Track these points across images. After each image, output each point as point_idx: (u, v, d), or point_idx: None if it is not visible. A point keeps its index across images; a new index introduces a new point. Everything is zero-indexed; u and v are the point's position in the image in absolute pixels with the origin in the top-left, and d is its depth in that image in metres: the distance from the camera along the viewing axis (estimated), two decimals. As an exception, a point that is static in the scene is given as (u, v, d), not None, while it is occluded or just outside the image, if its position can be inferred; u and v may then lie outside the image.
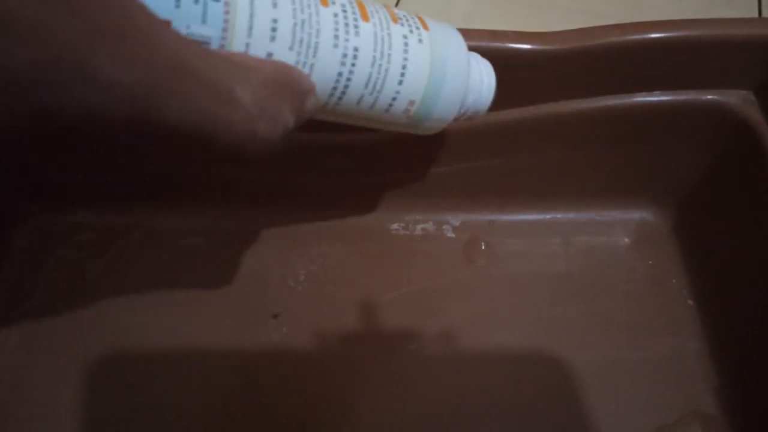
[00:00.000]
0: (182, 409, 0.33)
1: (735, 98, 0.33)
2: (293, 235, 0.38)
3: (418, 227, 0.39)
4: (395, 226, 0.39)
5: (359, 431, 0.32)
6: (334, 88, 0.22)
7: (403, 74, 0.23)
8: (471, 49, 0.30)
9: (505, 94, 0.33)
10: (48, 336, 0.34)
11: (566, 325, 0.36)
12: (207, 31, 0.18)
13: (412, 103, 0.24)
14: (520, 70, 0.31)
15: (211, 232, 0.38)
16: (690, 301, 0.37)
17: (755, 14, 0.49)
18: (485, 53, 0.30)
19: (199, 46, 0.17)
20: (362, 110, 0.23)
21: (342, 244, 0.38)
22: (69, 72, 0.14)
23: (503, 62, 0.31)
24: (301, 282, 0.37)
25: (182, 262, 0.37)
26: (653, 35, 0.30)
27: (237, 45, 0.19)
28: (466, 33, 0.30)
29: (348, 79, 0.22)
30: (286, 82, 0.20)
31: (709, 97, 0.33)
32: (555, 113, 0.33)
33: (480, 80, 0.26)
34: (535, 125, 0.34)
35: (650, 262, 0.38)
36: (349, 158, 0.36)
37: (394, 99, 0.23)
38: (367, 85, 0.22)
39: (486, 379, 0.34)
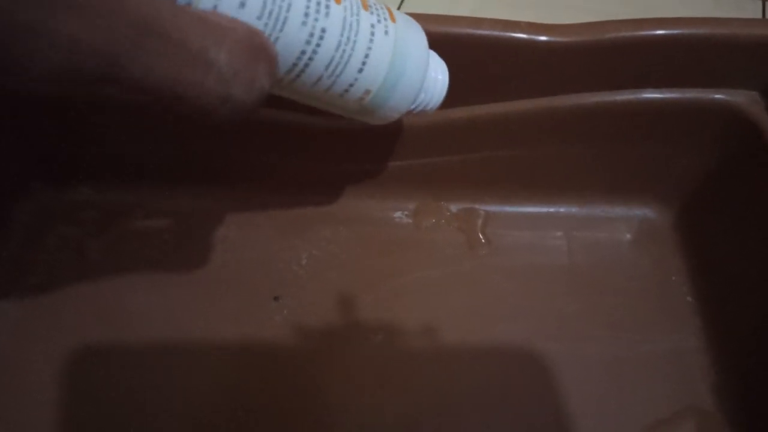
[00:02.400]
0: (179, 389, 0.32)
1: (742, 98, 0.33)
2: (297, 219, 0.38)
3: (422, 216, 0.39)
4: (398, 214, 0.39)
5: (358, 415, 0.32)
6: (294, 65, 0.21)
7: (364, 63, 0.23)
8: (483, 38, 0.31)
9: (514, 86, 0.33)
10: (46, 313, 0.34)
11: (566, 318, 0.36)
12: None
13: (367, 92, 0.24)
14: (532, 62, 0.31)
15: (214, 214, 0.38)
16: (690, 298, 0.37)
17: (759, 16, 0.49)
18: (498, 43, 0.31)
19: (167, 1, 0.16)
20: (317, 91, 0.23)
21: (345, 229, 0.38)
22: (25, 32, 0.13)
23: (515, 53, 0.31)
24: (303, 266, 0.37)
25: (184, 243, 0.37)
26: (663, 32, 0.30)
27: (204, 6, 0.18)
28: (478, 22, 0.31)
29: (310, 59, 0.21)
30: (260, 45, 0.19)
31: (717, 96, 0.33)
32: (563, 106, 0.33)
33: (435, 78, 0.26)
34: (542, 117, 0.34)
35: (651, 259, 0.38)
36: (353, 144, 0.36)
37: (350, 85, 0.23)
38: (327, 68, 0.22)
39: (485, 369, 0.34)
